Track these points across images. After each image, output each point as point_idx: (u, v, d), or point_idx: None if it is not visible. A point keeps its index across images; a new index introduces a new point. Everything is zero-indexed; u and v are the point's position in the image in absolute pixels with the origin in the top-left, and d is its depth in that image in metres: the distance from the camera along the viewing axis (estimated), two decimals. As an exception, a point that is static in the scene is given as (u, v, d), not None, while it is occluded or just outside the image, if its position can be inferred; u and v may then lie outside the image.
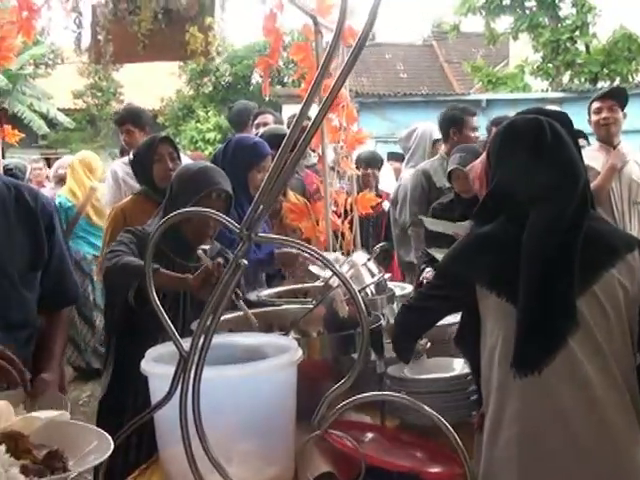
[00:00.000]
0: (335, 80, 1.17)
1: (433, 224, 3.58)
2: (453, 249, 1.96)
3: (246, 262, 1.20)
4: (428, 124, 5.62)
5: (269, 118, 5.62)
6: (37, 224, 2.24)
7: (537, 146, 1.88)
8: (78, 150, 14.87)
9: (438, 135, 5.28)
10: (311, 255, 1.20)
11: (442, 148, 4.98)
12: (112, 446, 1.46)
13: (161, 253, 2.60)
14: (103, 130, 19.72)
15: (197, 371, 1.23)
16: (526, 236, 1.79)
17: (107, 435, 1.50)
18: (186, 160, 4.06)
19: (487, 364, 1.80)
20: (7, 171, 5.65)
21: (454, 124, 4.83)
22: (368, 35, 1.16)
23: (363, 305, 1.19)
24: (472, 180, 2.52)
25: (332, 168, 4.00)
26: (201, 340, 1.23)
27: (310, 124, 1.20)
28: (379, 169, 5.69)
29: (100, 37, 4.08)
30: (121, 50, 4.09)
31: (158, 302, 1.30)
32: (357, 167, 4.92)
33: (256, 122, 5.72)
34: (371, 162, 5.55)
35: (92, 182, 6.26)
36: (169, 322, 1.29)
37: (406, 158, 5.58)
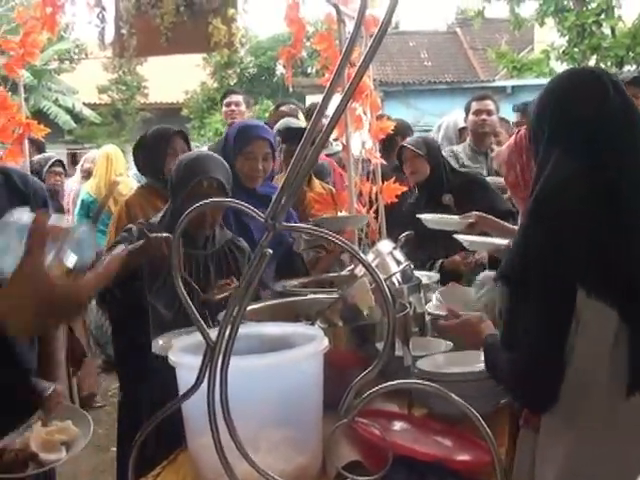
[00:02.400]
0: (357, 69, 1.16)
1: (432, 222, 3.55)
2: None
3: (271, 251, 1.20)
4: (454, 114, 5.65)
5: (239, 98, 5.67)
6: (31, 210, 2.16)
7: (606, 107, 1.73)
8: (104, 144, 15.03)
9: (463, 124, 5.30)
10: (338, 244, 1.19)
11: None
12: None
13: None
14: (128, 124, 19.84)
15: (224, 360, 1.24)
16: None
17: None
18: None
19: (585, 371, 1.70)
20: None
21: (466, 111, 4.94)
22: (389, 23, 1.15)
23: (389, 294, 1.19)
24: (499, 165, 2.51)
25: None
26: (228, 329, 1.23)
27: (332, 113, 1.19)
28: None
29: (123, 31, 4.09)
30: (144, 43, 4.10)
31: (185, 293, 1.31)
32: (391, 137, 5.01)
33: (225, 101, 5.78)
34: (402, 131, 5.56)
35: (115, 176, 6.32)
36: (195, 312, 1.30)
37: None
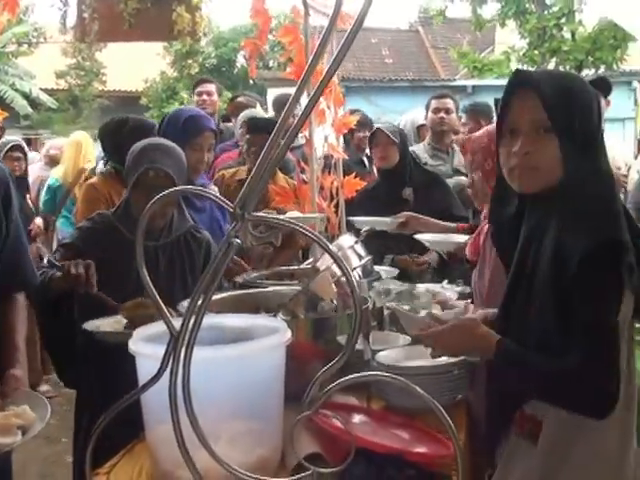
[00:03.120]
0: (329, 65, 1.16)
1: (363, 223, 3.57)
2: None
3: (239, 241, 1.20)
4: (412, 112, 5.71)
5: (211, 87, 5.65)
6: None
7: None
8: (60, 131, 14.79)
9: (422, 121, 5.37)
10: (306, 235, 1.19)
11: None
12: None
13: (120, 233, 2.61)
14: (85, 111, 19.55)
15: (187, 350, 1.23)
16: None
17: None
18: None
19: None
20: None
21: (426, 109, 5.02)
22: (364, 20, 1.15)
23: (358, 287, 1.19)
24: (473, 151, 2.49)
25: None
26: (192, 319, 1.22)
27: (305, 107, 1.19)
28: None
29: (86, 15, 4.04)
30: (107, 29, 4.06)
31: (149, 280, 1.30)
32: (352, 131, 5.06)
33: (197, 90, 5.75)
34: (365, 124, 5.58)
35: (83, 164, 6.27)
36: (159, 300, 1.28)
37: None
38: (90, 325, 2.34)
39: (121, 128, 3.58)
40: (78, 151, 6.37)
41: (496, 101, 3.46)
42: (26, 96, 16.79)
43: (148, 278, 1.29)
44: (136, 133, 3.38)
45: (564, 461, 1.71)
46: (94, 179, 3.67)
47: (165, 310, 1.29)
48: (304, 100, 1.27)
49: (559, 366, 1.62)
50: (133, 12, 3.93)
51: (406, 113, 5.99)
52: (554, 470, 1.71)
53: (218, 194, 3.30)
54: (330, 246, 1.22)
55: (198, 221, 3.07)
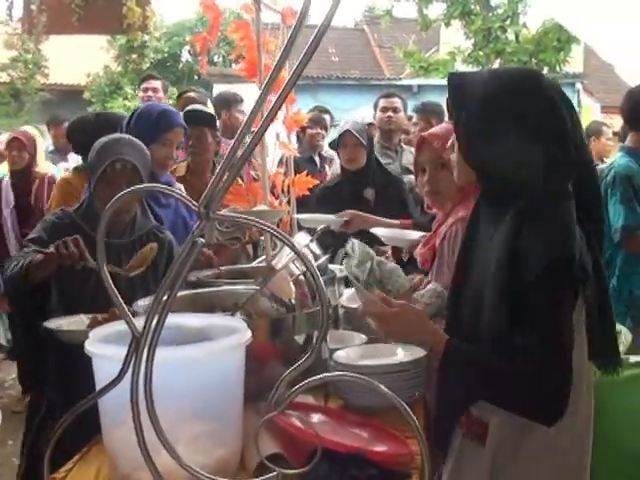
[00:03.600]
0: (277, 61, 1.15)
1: (306, 221, 3.59)
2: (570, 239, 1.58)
3: (203, 241, 1.18)
4: (360, 111, 5.75)
5: (157, 84, 5.63)
6: None
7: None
8: (2, 125, 14.41)
9: (369, 120, 5.42)
10: (272, 233, 1.18)
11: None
12: None
13: (82, 231, 2.54)
14: (27, 104, 19.12)
15: (150, 352, 1.21)
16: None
17: None
18: None
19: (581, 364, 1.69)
20: None
21: (374, 108, 5.07)
22: (306, 14, 1.15)
23: (323, 285, 1.18)
24: (441, 147, 2.46)
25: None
26: (155, 320, 1.20)
27: (271, 107, 1.18)
28: (326, 129, 5.75)
29: (33, 7, 3.95)
30: (55, 21, 3.98)
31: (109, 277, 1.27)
32: (305, 128, 5.07)
33: (143, 86, 5.71)
34: (318, 121, 5.60)
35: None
36: (121, 299, 1.26)
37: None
38: (52, 323, 2.31)
39: (92, 124, 3.53)
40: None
41: (447, 101, 3.50)
42: (-35, 89, 16.37)
43: (109, 276, 1.27)
44: (107, 127, 3.33)
45: (512, 460, 1.72)
46: (68, 174, 3.64)
47: (126, 310, 1.27)
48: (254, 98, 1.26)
49: (511, 372, 1.61)
50: (82, 4, 3.86)
51: (354, 110, 6.02)
52: (503, 469, 1.73)
53: (183, 191, 3.25)
54: (296, 245, 1.21)
55: (163, 217, 3.04)
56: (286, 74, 3.45)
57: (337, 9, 1.14)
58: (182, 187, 3.36)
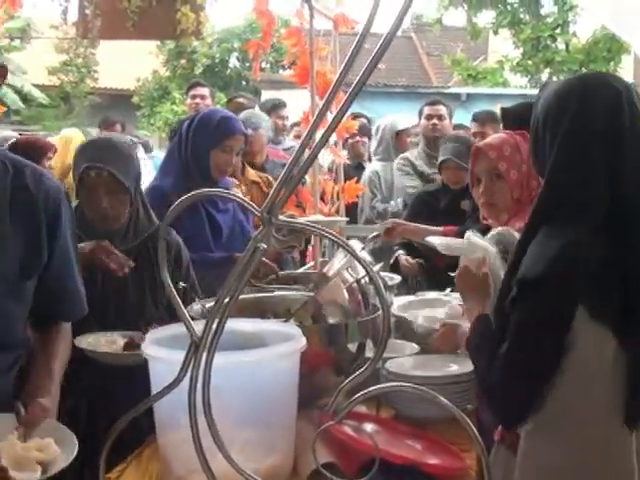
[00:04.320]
0: (340, 71, 1.14)
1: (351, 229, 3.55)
2: (559, 257, 1.54)
3: (265, 246, 1.17)
4: (391, 117, 5.68)
5: (205, 91, 5.66)
6: (37, 217, 1.77)
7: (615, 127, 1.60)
8: (51, 127, 14.68)
9: (402, 126, 5.38)
10: (335, 241, 1.17)
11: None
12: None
13: (78, 239, 2.36)
14: (77, 108, 19.44)
15: (209, 356, 1.20)
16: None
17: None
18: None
19: (582, 404, 1.61)
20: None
21: (419, 115, 5.02)
22: (372, 23, 1.14)
23: (385, 294, 1.17)
24: (494, 158, 2.41)
25: None
26: (214, 324, 1.20)
27: (334, 115, 1.17)
28: (369, 137, 5.69)
29: (88, 11, 4.00)
30: (109, 26, 4.02)
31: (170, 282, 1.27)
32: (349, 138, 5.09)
33: (191, 93, 5.73)
34: (362, 129, 5.56)
35: (71, 160, 6.20)
36: (181, 304, 1.26)
37: (373, 151, 5.70)
38: (84, 341, 2.25)
39: None
40: (66, 148, 6.30)
41: (502, 110, 3.45)
42: (17, 91, 16.67)
43: (172, 287, 1.26)
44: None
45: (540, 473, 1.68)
46: None
47: (186, 314, 1.26)
48: (305, 104, 1.25)
49: (482, 376, 1.71)
50: (137, 10, 3.89)
51: (384, 117, 5.93)
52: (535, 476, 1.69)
53: (242, 196, 3.22)
54: (358, 253, 1.20)
55: (221, 222, 3.03)
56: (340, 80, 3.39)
57: (375, 14, 1.13)
58: (239, 191, 3.34)
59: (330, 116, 1.22)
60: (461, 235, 3.16)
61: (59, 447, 1.56)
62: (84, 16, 4.04)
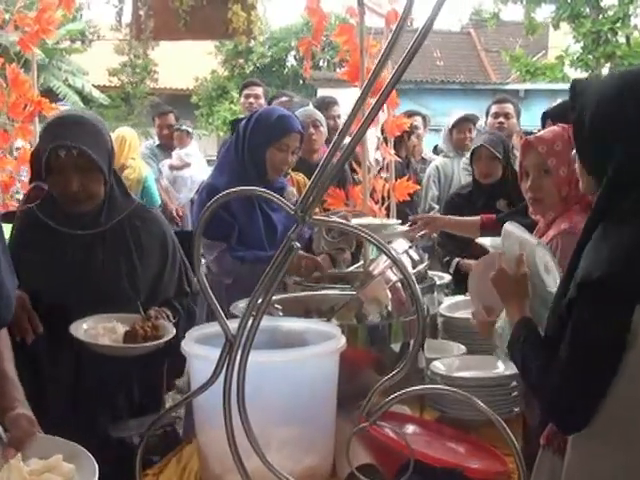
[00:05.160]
0: (376, 64, 1.12)
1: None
2: (617, 257, 1.50)
3: (298, 245, 1.16)
4: (455, 114, 5.63)
5: (259, 90, 5.65)
6: None
7: None
8: (112, 127, 14.93)
9: (454, 121, 5.36)
10: (369, 240, 1.15)
11: None
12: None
13: (48, 227, 2.34)
14: (137, 108, 19.77)
15: (243, 355, 1.20)
16: None
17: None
18: None
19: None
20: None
21: (486, 114, 4.96)
22: (407, 19, 1.12)
23: (420, 294, 1.15)
24: (544, 154, 2.34)
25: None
26: (249, 323, 1.19)
27: (369, 111, 1.15)
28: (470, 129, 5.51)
29: (141, 12, 4.04)
30: (162, 26, 4.04)
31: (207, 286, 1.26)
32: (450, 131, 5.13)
33: (245, 92, 5.73)
34: (462, 123, 5.45)
35: (125, 160, 6.31)
36: (216, 302, 1.25)
37: (439, 147, 5.82)
38: (79, 329, 2.14)
39: None
40: (121, 147, 6.39)
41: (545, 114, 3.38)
42: (79, 92, 17.01)
43: (204, 278, 1.26)
44: None
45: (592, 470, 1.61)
46: None
47: (221, 312, 1.26)
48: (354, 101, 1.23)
49: (538, 380, 1.62)
50: (189, 10, 3.91)
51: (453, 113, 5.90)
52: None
53: (296, 196, 3.15)
54: (393, 253, 1.18)
55: (276, 220, 3.02)
56: (387, 77, 3.39)
57: (439, 12, 1.11)
58: (294, 190, 3.32)
59: (380, 115, 1.21)
60: (500, 224, 3.09)
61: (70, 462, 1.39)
62: (138, 17, 4.08)
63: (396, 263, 1.19)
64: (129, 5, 4.18)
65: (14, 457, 1.36)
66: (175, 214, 6.47)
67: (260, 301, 1.18)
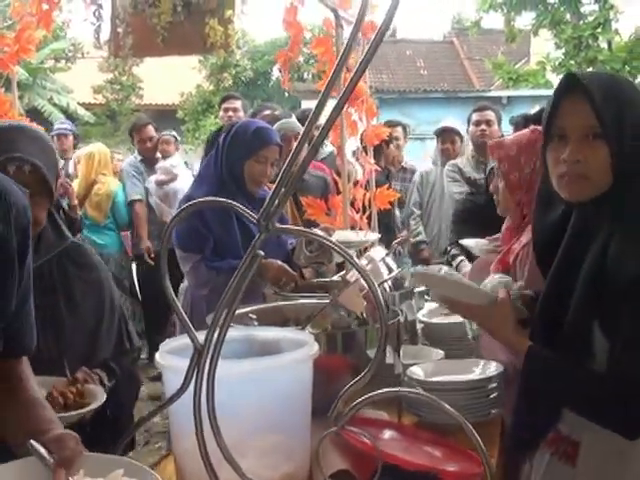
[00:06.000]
0: (353, 73, 1.14)
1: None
2: None
3: (262, 253, 1.18)
4: (444, 122, 5.74)
5: (237, 104, 5.70)
6: (8, 245, 1.39)
7: None
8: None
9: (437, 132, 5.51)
10: (331, 247, 1.17)
11: None
12: None
13: None
14: (123, 125, 19.78)
15: (212, 364, 1.21)
16: None
17: None
18: None
19: None
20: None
21: (468, 121, 5.05)
22: (387, 29, 1.14)
23: (383, 300, 1.16)
24: (499, 159, 2.38)
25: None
26: (216, 333, 1.20)
27: (328, 116, 1.18)
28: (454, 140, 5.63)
29: (119, 30, 4.06)
30: (140, 43, 4.07)
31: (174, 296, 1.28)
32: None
33: (224, 106, 5.78)
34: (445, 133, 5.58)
35: (96, 176, 6.33)
36: (182, 312, 1.27)
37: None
38: None
39: None
40: (89, 163, 6.39)
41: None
42: (64, 110, 17.01)
43: (171, 290, 1.28)
44: None
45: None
46: None
47: (189, 322, 1.27)
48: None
49: (593, 379, 1.58)
50: (167, 26, 3.93)
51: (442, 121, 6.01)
52: None
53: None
54: (354, 259, 1.19)
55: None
56: (367, 87, 3.39)
57: (392, 20, 1.13)
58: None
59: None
60: None
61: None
62: (116, 34, 4.10)
63: (360, 272, 1.20)
64: (107, 22, 4.20)
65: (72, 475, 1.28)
66: None
67: (227, 310, 1.20)
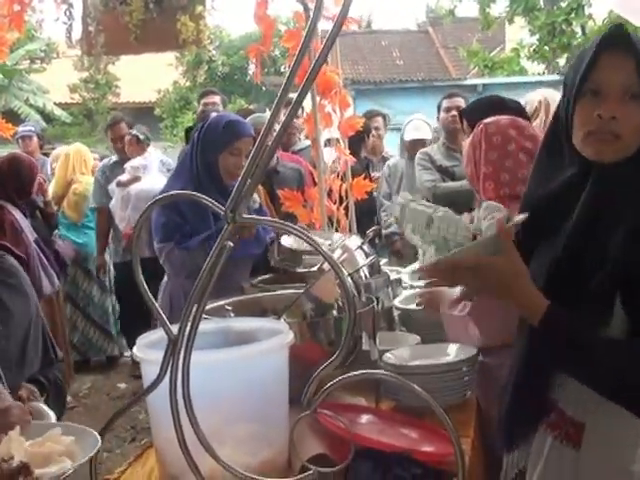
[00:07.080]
0: (314, 61, 1.17)
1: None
2: None
3: (231, 244, 1.20)
4: (413, 121, 5.79)
5: (216, 98, 5.71)
6: None
7: None
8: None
9: (410, 137, 5.63)
10: (301, 237, 1.19)
11: None
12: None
13: None
14: (100, 124, 19.69)
15: (186, 354, 1.23)
16: None
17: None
18: None
19: None
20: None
21: (438, 109, 5.07)
22: (344, 19, 1.16)
23: (351, 286, 1.20)
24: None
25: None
26: (189, 322, 1.23)
27: (292, 104, 1.21)
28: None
29: (91, 28, 4.06)
30: (113, 41, 4.07)
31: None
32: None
33: (203, 101, 5.80)
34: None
35: (74, 175, 6.32)
36: (156, 303, 1.29)
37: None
38: None
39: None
40: (64, 164, 6.38)
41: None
42: (40, 111, 16.91)
43: (142, 278, 1.30)
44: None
45: (610, 464, 1.55)
46: None
47: (162, 313, 1.30)
48: (307, 103, 1.28)
49: (622, 350, 1.49)
50: (139, 24, 3.93)
51: (414, 114, 6.04)
52: (600, 475, 1.57)
53: (257, 201, 3.13)
54: (322, 248, 1.22)
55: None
56: (339, 79, 3.41)
57: (348, 11, 1.16)
58: (256, 196, 3.34)
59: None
60: None
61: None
62: (87, 33, 4.10)
63: (328, 260, 1.23)
64: (79, 21, 4.19)
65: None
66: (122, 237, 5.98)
67: (198, 299, 1.23)
